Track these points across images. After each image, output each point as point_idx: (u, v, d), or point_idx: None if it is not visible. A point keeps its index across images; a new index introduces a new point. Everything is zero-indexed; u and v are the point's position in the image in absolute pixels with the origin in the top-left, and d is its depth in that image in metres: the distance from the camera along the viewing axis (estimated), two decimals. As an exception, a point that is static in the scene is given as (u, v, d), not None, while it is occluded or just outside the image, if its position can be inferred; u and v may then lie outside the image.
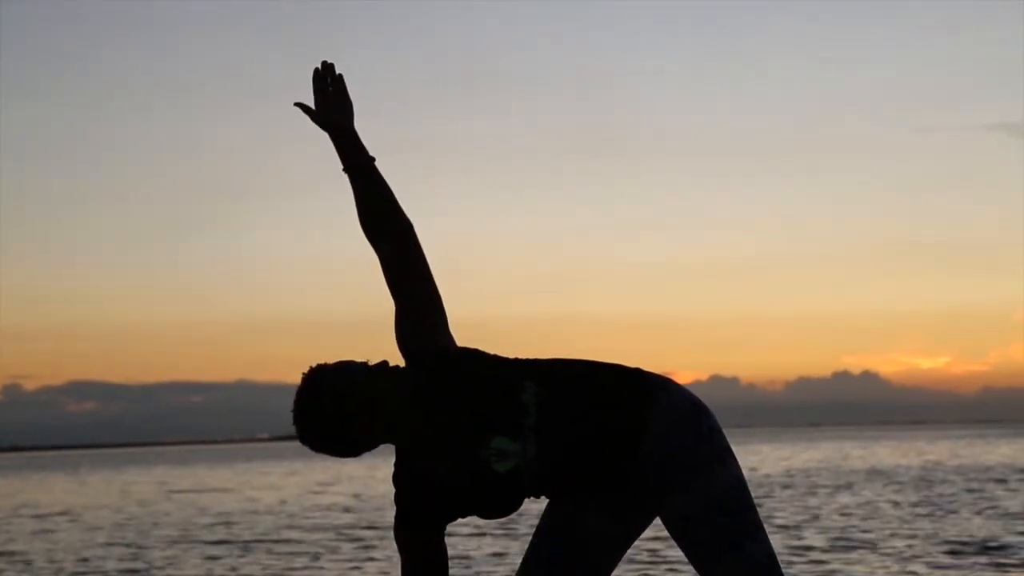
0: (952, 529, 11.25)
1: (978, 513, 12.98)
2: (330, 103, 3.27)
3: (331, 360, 3.14)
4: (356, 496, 20.74)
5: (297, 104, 3.29)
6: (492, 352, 3.21)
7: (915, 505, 14.49)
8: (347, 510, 17.14)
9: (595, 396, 3.08)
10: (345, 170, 3.27)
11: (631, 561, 8.74)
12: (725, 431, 3.18)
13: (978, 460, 29.09)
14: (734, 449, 3.21)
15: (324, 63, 3.30)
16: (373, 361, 3.14)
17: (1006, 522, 11.81)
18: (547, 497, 3.21)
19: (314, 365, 3.12)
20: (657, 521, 3.26)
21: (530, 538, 3.37)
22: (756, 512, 3.12)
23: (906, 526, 11.71)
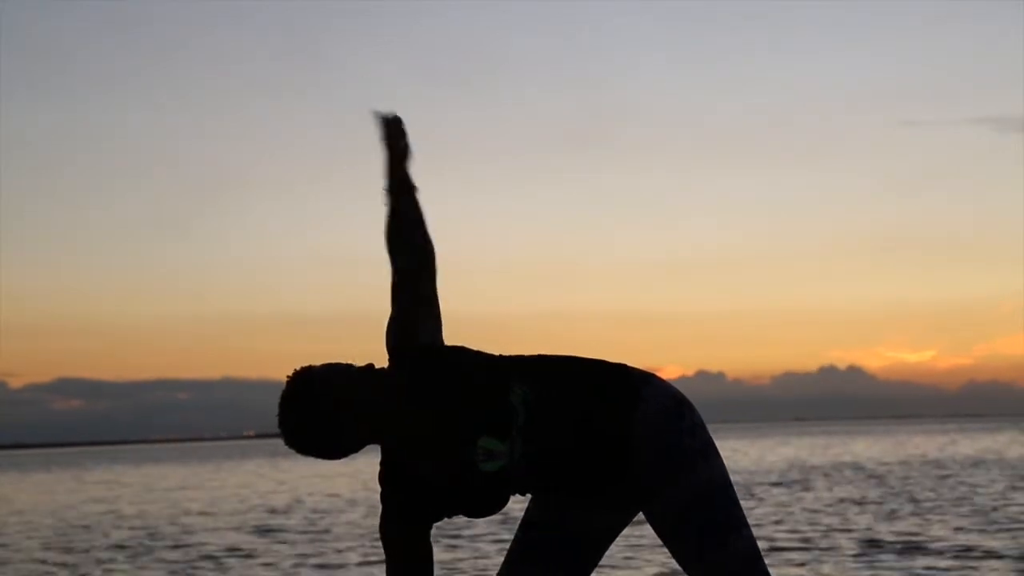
0: (887, 527, 11.07)
1: (921, 510, 12.81)
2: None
3: (317, 361, 3.13)
4: (296, 499, 20.54)
5: (375, 113, 3.35)
6: (477, 349, 3.20)
7: (865, 502, 14.32)
8: (274, 512, 16.92)
9: (581, 395, 3.07)
10: (389, 187, 3.32)
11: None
12: (711, 426, 3.16)
13: (949, 455, 29.04)
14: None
15: (395, 117, 3.34)
16: (360, 363, 3.13)
17: (944, 520, 11.64)
18: (533, 495, 3.22)
19: (300, 367, 3.11)
20: (640, 517, 3.25)
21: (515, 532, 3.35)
22: (740, 507, 3.10)
23: (845, 524, 11.53)
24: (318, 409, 3.06)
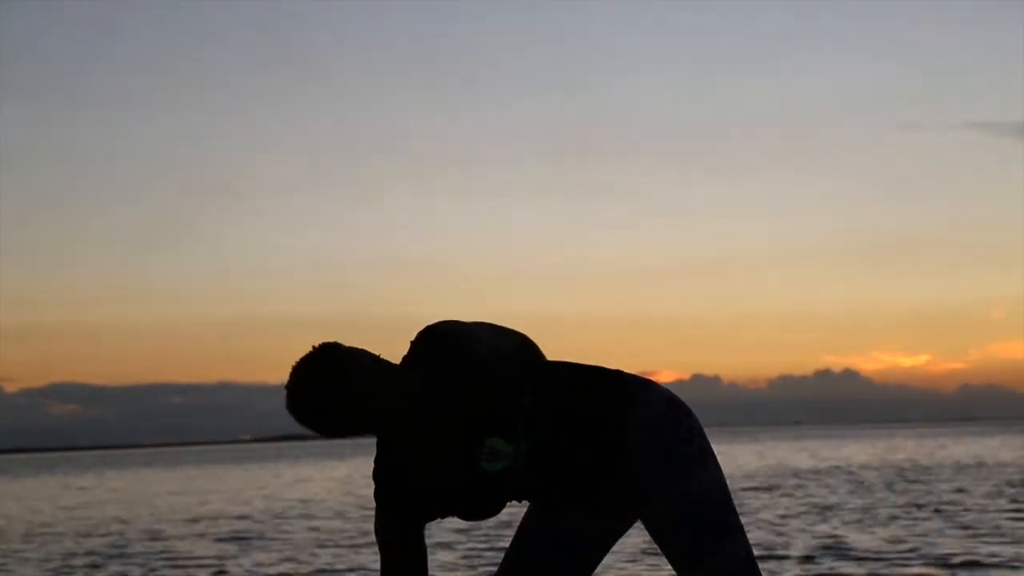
0: (849, 533, 10.98)
1: (888, 516, 12.72)
2: None
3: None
4: (272, 505, 20.40)
5: None
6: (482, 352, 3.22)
7: (835, 508, 14.23)
8: (244, 518, 16.80)
9: (578, 399, 3.10)
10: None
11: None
12: (707, 430, 3.17)
13: (936, 460, 28.95)
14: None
15: None
16: (386, 358, 3.13)
17: (908, 526, 11.54)
18: (530, 501, 3.22)
19: (325, 343, 3.11)
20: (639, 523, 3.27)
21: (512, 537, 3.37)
22: (736, 513, 3.12)
23: (807, 530, 11.43)
24: (329, 383, 3.05)
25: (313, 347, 3.10)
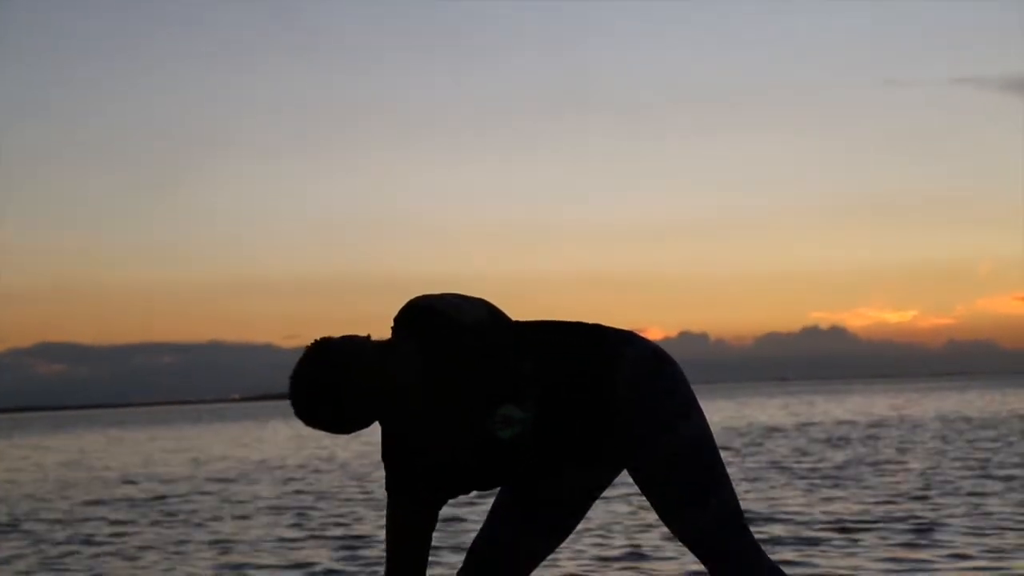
0: (784, 497, 10.54)
1: (838, 479, 12.28)
2: None
3: (335, 334, 3.09)
4: (190, 463, 20.00)
5: None
6: (479, 316, 3.17)
7: (780, 467, 13.80)
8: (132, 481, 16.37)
9: (568, 362, 3.10)
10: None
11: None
12: (693, 386, 3.19)
13: (912, 414, 28.68)
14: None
15: None
16: (378, 337, 3.12)
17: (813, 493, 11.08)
18: (529, 466, 3.17)
19: (317, 341, 3.09)
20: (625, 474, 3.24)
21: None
22: (721, 465, 3.14)
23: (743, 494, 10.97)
24: (331, 384, 3.03)
25: (306, 348, 3.07)
